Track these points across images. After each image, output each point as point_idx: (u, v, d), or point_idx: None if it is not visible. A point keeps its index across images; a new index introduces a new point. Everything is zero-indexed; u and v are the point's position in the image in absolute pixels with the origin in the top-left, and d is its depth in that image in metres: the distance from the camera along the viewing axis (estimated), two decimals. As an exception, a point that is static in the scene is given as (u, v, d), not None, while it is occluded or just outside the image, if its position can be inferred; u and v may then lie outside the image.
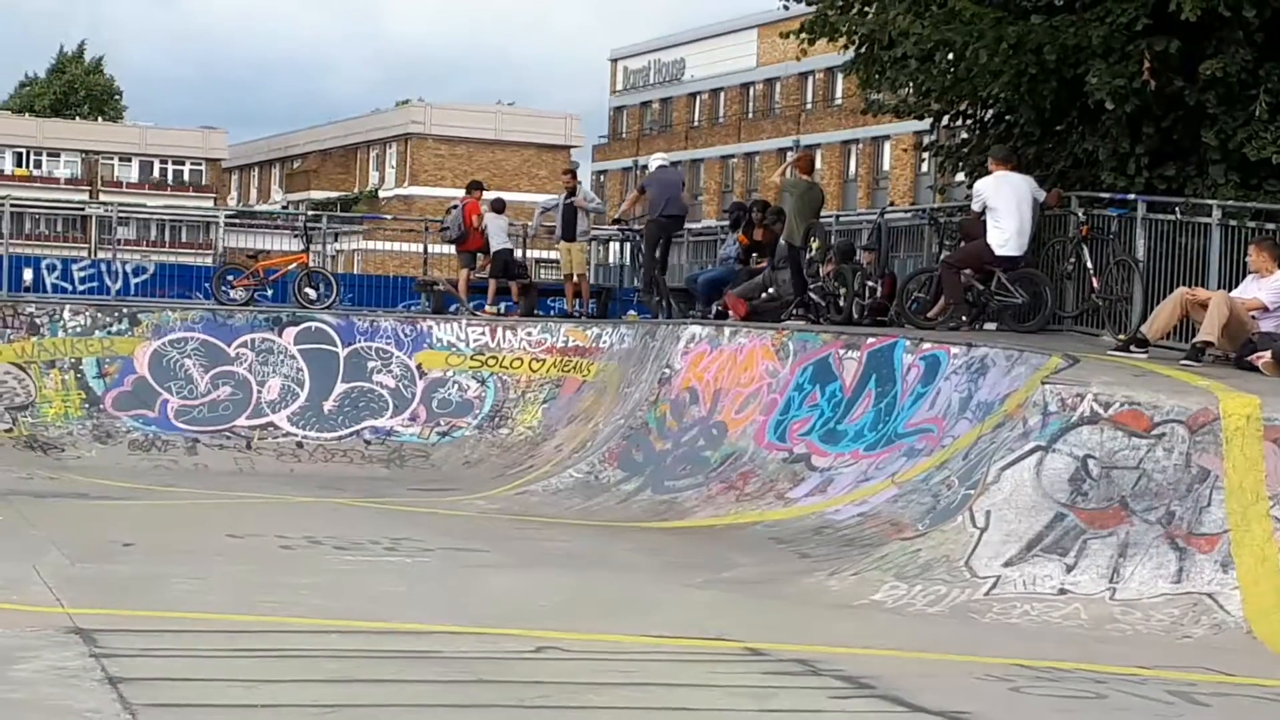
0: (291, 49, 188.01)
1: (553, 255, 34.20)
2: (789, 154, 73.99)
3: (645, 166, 29.20)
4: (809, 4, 24.14)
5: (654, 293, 27.23)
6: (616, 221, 28.43)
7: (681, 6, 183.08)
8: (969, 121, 24.72)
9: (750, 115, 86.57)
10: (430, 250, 33.16)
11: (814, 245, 23.35)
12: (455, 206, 29.16)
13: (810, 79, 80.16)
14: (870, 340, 19.63)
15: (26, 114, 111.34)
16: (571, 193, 28.42)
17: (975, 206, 20.83)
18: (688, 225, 32.13)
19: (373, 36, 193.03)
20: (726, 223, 29.80)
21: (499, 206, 29.14)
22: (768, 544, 16.60)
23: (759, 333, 21.82)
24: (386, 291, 31.79)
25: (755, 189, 77.38)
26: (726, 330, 22.64)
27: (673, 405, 22.10)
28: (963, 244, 21.59)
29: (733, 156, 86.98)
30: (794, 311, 23.36)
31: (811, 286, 23.35)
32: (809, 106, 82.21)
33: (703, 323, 24.02)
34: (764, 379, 20.89)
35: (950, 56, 21.65)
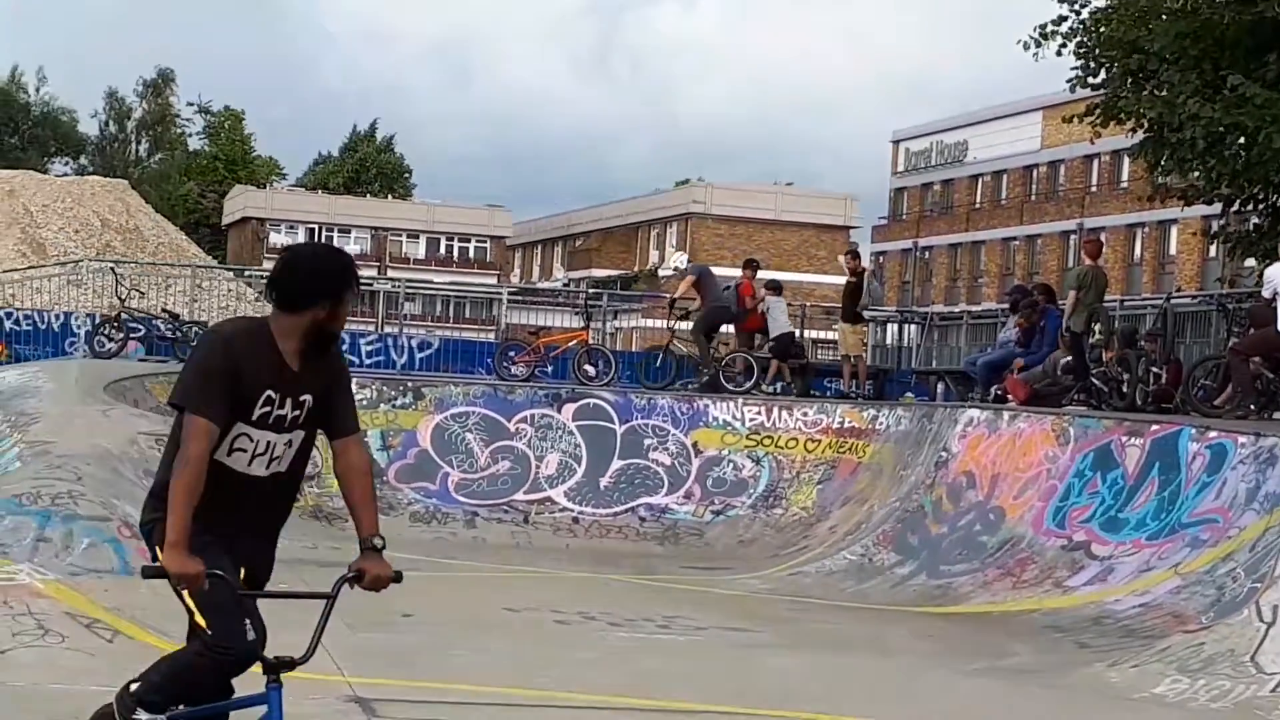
0: (578, 129, 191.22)
1: (829, 336, 34.18)
2: (1072, 237, 73.00)
3: (678, 267, 29.16)
4: (1096, 88, 23.87)
5: (711, 368, 27.53)
6: (673, 304, 28.20)
7: (965, 89, 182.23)
8: (1260, 206, 24.15)
9: (1033, 197, 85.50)
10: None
11: (1097, 330, 22.99)
12: (729, 287, 29.28)
13: (1096, 162, 78.90)
14: (1154, 427, 19.20)
15: (320, 191, 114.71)
16: (854, 274, 28.37)
17: (1266, 293, 20.29)
18: (967, 308, 31.85)
19: (659, 117, 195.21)
20: (1006, 306, 29.46)
21: (776, 288, 29.18)
22: (1045, 633, 16.31)
23: (1039, 418, 21.50)
24: (664, 369, 31.97)
25: (1037, 272, 76.40)
26: (1006, 414, 22.36)
27: (949, 489, 21.87)
28: (1252, 331, 21.07)
29: (1014, 239, 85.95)
30: (1075, 397, 22.99)
31: (1094, 372, 22.98)
32: (1094, 189, 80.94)
33: (981, 406, 23.75)
34: (1043, 464, 20.56)
35: (1241, 141, 21.22)
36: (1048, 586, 18.26)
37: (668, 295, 29.26)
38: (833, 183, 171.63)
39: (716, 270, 29.96)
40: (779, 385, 28.40)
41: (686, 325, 27.92)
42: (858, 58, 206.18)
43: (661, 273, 28.93)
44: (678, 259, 29.19)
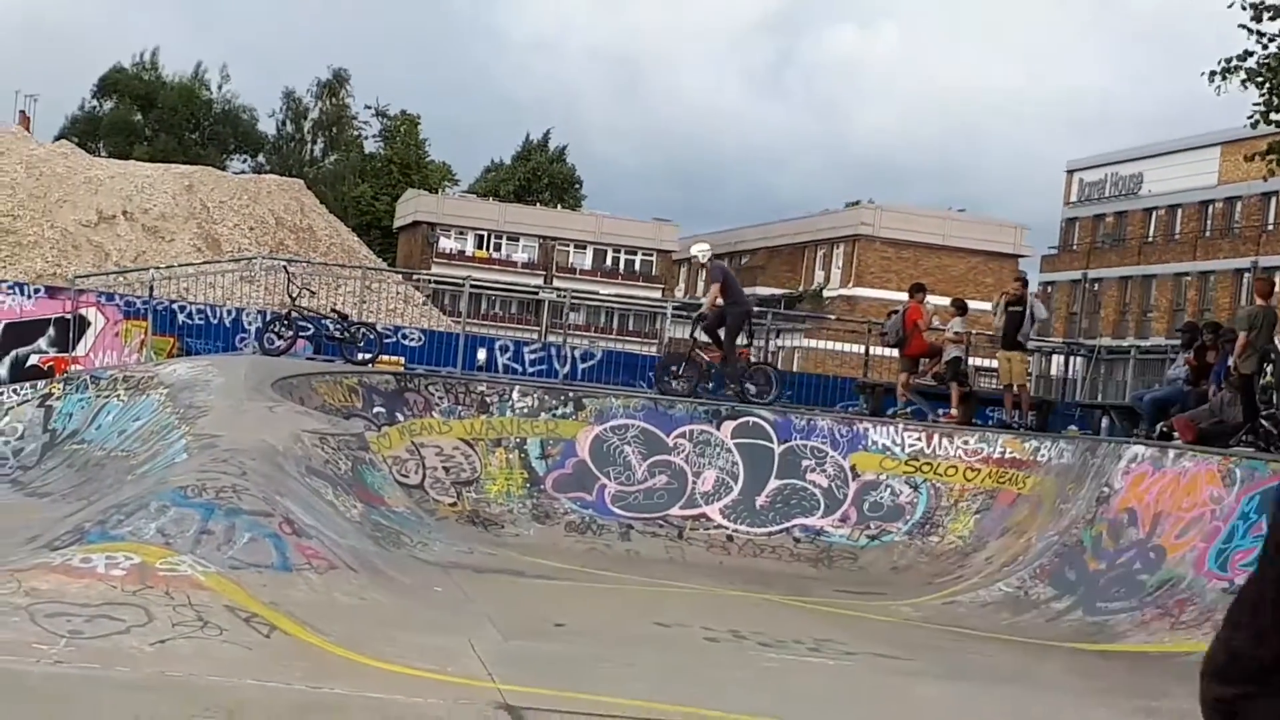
0: (749, 146, 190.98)
1: (992, 364, 33.87)
2: (1246, 276, 71.75)
3: (697, 257, 28.66)
4: (1278, 126, 23.48)
5: (737, 380, 27.18)
6: (701, 317, 27.80)
7: (1144, 119, 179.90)
8: None
9: (1207, 234, 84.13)
10: (871, 352, 33.17)
11: (1268, 372, 22.59)
12: (896, 311, 29.11)
13: (1274, 200, 77.56)
14: (1324, 473, 18.83)
15: (491, 198, 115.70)
16: (1019, 301, 28.08)
17: None
18: (1135, 342, 31.43)
19: (831, 137, 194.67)
20: (1178, 342, 29.03)
21: (961, 308, 28.97)
22: (1202, 676, 16.03)
23: (1205, 457, 21.15)
24: (825, 390, 31.89)
25: (1209, 309, 75.22)
26: (1171, 452, 22.01)
27: (1110, 525, 21.57)
28: None
29: (1187, 275, 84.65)
30: (1243, 438, 22.60)
31: (1264, 414, 22.57)
32: (1270, 227, 79.55)
33: (1146, 443, 23.40)
34: (1208, 505, 20.21)
35: None
36: (1207, 629, 17.92)
37: (833, 316, 29.11)
38: (1003, 210, 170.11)
39: (883, 294, 29.76)
40: (940, 411, 28.10)
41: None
42: (1035, 84, 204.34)
43: (695, 253, 28.43)
44: (700, 249, 28.79)
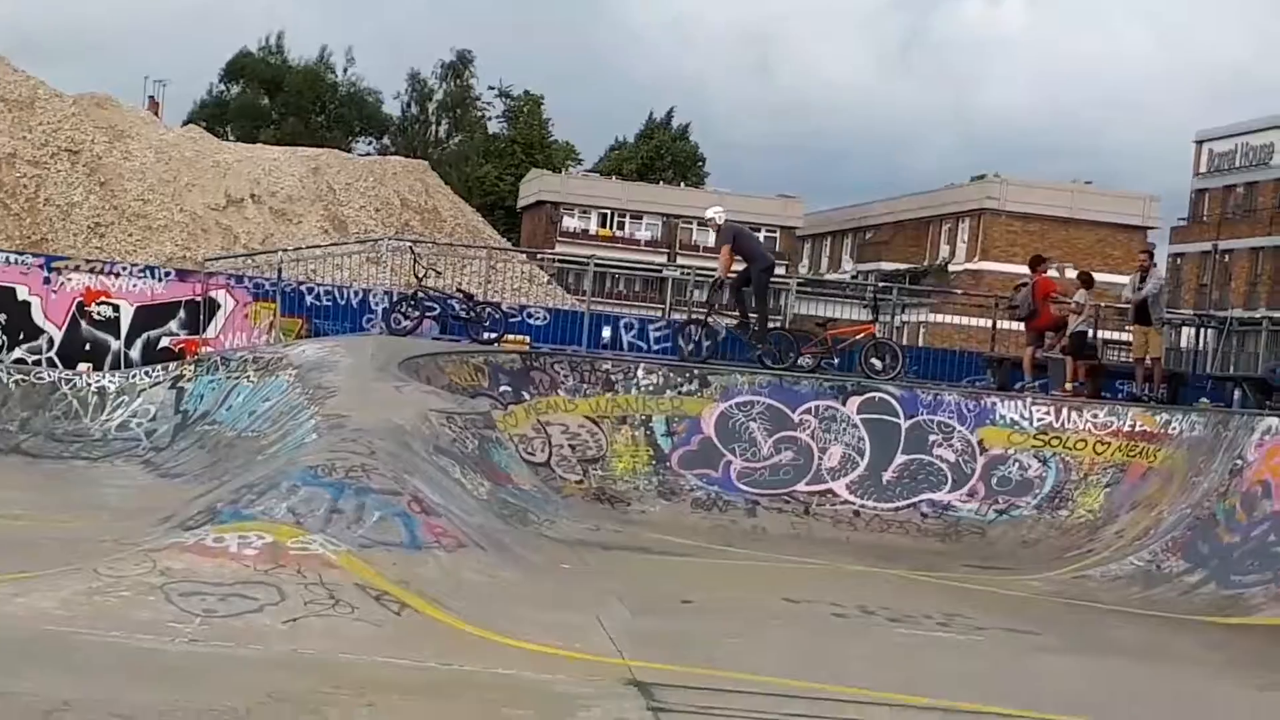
0: (875, 122, 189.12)
1: (1122, 337, 33.48)
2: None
3: (713, 219, 28.03)
4: None
5: (769, 341, 26.97)
6: (719, 284, 27.37)
7: (1275, 91, 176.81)
8: None
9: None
10: (998, 326, 32.88)
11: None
12: (1025, 284, 28.82)
13: (1406, 166, 75.98)
14: None
15: (614, 177, 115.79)
16: (1145, 274, 27.74)
17: None
18: (1268, 313, 30.94)
19: (958, 112, 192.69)
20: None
21: (1088, 281, 28.60)
22: (1340, 651, 15.82)
23: (1341, 428, 20.82)
24: (951, 365, 31.61)
25: (1343, 277, 73.88)
26: (1305, 424, 21.67)
27: (1243, 498, 21.26)
28: None
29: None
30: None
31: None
32: (1405, 195, 77.96)
33: (1280, 415, 23.04)
34: (1344, 476, 19.90)
35: None
36: (1344, 602, 17.70)
37: (958, 291, 28.82)
38: (1132, 183, 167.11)
39: (1009, 268, 29.48)
40: (1038, 382, 27.81)
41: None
42: (1166, 55, 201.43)
43: (709, 214, 28.07)
44: (714, 211, 28.37)
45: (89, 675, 10.35)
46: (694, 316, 28.51)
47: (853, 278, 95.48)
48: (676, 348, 27.80)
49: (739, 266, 27.18)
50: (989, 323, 33.36)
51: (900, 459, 25.44)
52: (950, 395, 26.18)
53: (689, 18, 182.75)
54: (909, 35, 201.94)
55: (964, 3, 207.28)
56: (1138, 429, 25.38)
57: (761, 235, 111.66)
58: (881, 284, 42.33)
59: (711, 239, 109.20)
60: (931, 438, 25.60)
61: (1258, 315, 53.97)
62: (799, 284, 38.93)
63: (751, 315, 27.16)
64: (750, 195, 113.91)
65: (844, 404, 25.75)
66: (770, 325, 27.99)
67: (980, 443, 25.62)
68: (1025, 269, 30.23)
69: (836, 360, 27.87)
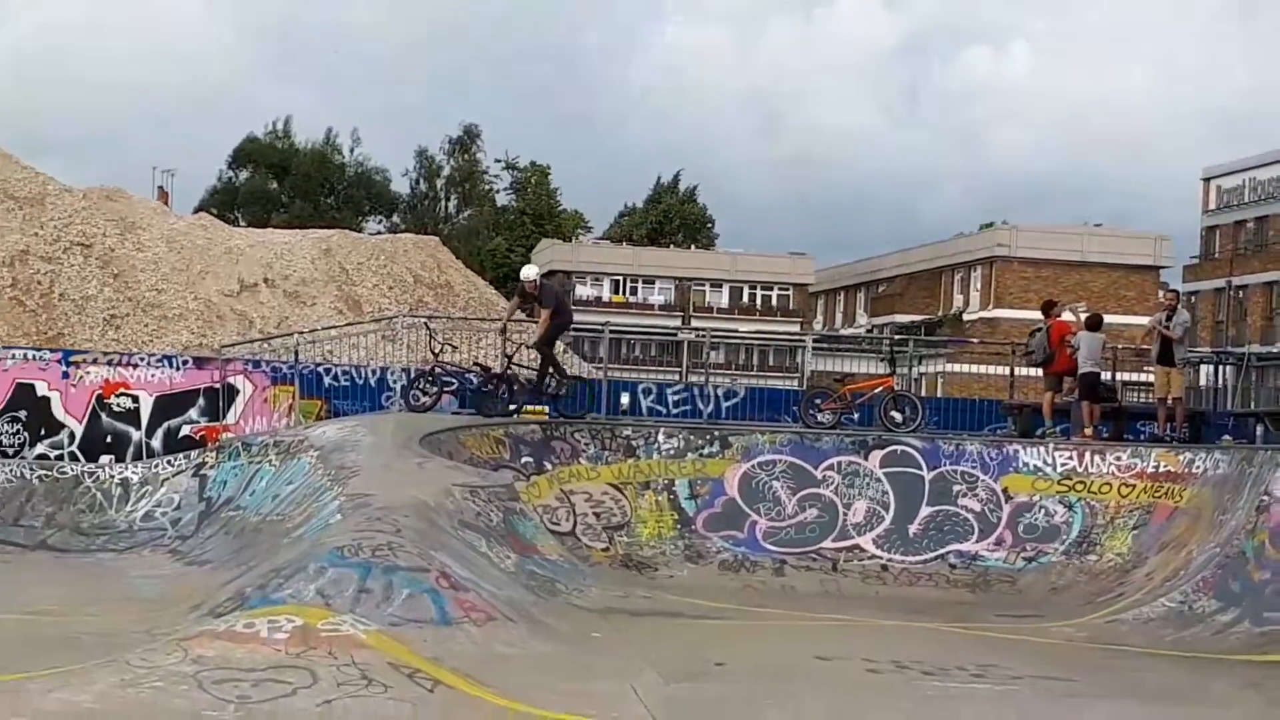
0: (883, 175, 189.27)
1: (1139, 378, 33.45)
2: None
3: (535, 280, 27.81)
4: None
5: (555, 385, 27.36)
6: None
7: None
8: None
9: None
10: (1016, 373, 32.84)
11: None
12: (1039, 329, 28.83)
13: None
14: None
15: (624, 243, 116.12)
16: (1171, 313, 27.75)
17: None
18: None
19: (967, 160, 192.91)
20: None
21: (1094, 323, 28.55)
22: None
23: (1366, 459, 20.75)
24: (971, 414, 31.57)
25: (1358, 311, 73.76)
26: (1330, 457, 21.61)
27: (1271, 534, 21.14)
28: None
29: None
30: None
31: None
32: None
33: (1304, 448, 22.98)
34: (1373, 508, 19.81)
35: None
36: (1380, 635, 17.60)
37: (974, 340, 28.81)
38: (1143, 223, 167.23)
39: (1023, 314, 29.48)
40: (1059, 427, 27.73)
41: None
42: (1172, 95, 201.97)
43: (524, 273, 28.07)
44: (528, 270, 28.41)
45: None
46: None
47: (868, 331, 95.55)
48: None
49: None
50: (1006, 370, 33.31)
51: (925, 511, 25.40)
52: (972, 445, 26.15)
53: (692, 82, 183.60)
54: (913, 87, 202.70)
55: (967, 50, 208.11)
56: (1162, 469, 25.32)
57: (774, 294, 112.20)
58: (897, 336, 42.40)
59: (725, 299, 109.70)
60: (956, 488, 25.56)
61: (1275, 349, 53.91)
62: (814, 340, 38.90)
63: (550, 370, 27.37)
64: (761, 254, 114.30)
65: (866, 458, 25.74)
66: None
67: (1004, 491, 25.58)
68: (1039, 314, 30.24)
69: (856, 415, 27.87)
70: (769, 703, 13.67)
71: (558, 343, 28.67)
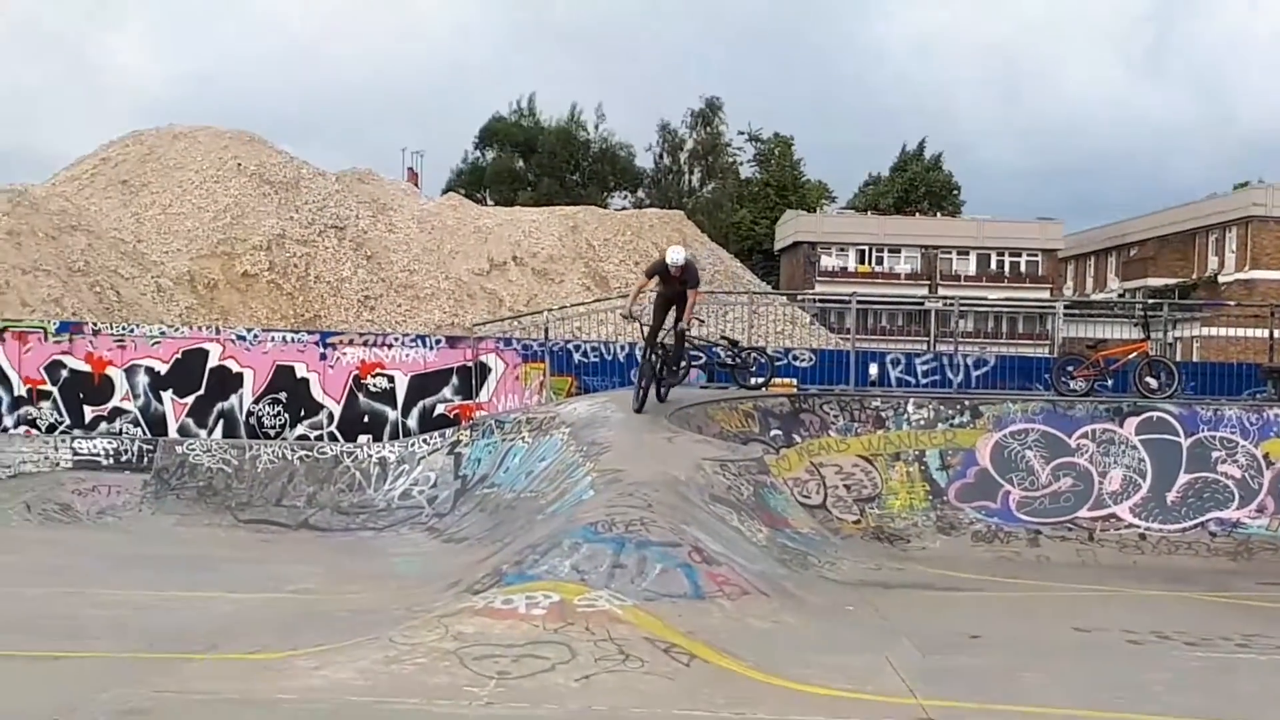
0: (1132, 136, 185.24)
1: None
2: None
3: (682, 264, 25.41)
4: None
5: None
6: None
7: None
8: None
9: None
10: (1275, 335, 32.02)
11: None
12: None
13: None
14: None
15: (870, 212, 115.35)
16: None
17: None
18: None
19: (1219, 118, 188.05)
20: None
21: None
22: None
23: None
24: (1228, 379, 30.87)
25: None
26: None
27: None
28: None
29: None
30: None
31: None
32: None
33: None
34: None
35: None
36: None
37: (1231, 303, 28.14)
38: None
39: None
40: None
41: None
42: None
43: (674, 259, 25.91)
44: (677, 254, 25.83)
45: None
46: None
47: (1119, 296, 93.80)
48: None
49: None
50: (1265, 333, 32.50)
51: (1184, 478, 24.91)
52: (1231, 410, 25.56)
53: (935, 42, 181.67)
54: (1159, 43, 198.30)
55: (1218, 7, 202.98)
56: None
57: (1022, 260, 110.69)
58: (1150, 300, 41.56)
59: (973, 267, 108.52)
60: (1215, 454, 25.02)
61: None
62: (1065, 306, 38.34)
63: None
64: (1009, 220, 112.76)
65: (1121, 425, 25.31)
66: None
67: (1265, 456, 24.98)
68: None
69: (1110, 382, 27.40)
70: (1026, 674, 13.53)
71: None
